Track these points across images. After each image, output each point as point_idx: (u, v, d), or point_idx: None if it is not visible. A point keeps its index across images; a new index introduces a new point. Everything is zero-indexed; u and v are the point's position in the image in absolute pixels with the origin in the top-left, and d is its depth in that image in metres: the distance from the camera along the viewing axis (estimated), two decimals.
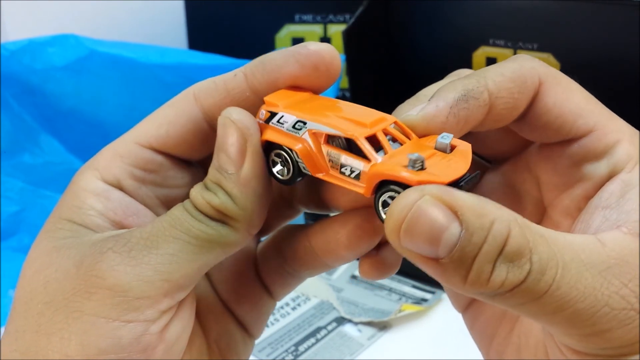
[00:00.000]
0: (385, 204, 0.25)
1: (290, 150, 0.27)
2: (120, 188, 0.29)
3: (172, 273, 0.26)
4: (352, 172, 0.26)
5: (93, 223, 0.28)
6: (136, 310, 0.26)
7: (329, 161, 0.27)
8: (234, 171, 0.27)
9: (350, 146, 0.27)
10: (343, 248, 0.30)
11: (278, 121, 0.28)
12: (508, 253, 0.23)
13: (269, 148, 0.28)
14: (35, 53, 0.75)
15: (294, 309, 0.67)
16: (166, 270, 0.26)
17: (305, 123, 0.27)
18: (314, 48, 0.28)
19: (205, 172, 0.31)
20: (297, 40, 0.88)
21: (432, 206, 0.23)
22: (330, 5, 0.87)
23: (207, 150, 0.30)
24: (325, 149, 0.27)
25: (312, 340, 0.63)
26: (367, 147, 0.26)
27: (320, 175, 0.27)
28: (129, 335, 0.26)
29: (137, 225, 0.29)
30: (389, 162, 0.25)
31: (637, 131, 0.29)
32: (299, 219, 0.34)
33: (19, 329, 0.27)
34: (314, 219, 0.33)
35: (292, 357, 0.60)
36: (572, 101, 0.28)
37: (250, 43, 0.87)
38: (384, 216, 0.25)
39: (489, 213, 0.23)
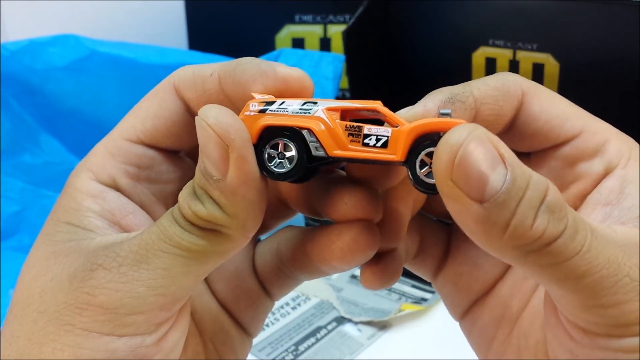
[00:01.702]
0: (423, 164, 0.25)
1: (300, 132, 0.26)
2: (116, 187, 0.29)
3: (166, 287, 0.26)
4: (378, 140, 0.25)
5: (91, 224, 0.28)
6: (130, 326, 0.26)
7: (349, 135, 0.26)
8: (219, 177, 0.25)
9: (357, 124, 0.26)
10: (336, 259, 0.29)
11: (279, 107, 0.26)
12: (550, 203, 0.23)
13: (262, 141, 0.27)
14: (36, 53, 0.75)
15: (294, 308, 0.67)
16: (159, 285, 0.26)
17: (315, 102, 0.26)
18: (282, 74, 0.27)
19: (196, 163, 0.31)
20: (297, 41, 0.88)
21: (484, 143, 0.23)
22: (330, 5, 0.87)
23: (194, 139, 0.30)
24: (342, 123, 0.26)
25: (312, 339, 0.63)
26: (393, 114, 0.25)
27: (338, 153, 0.26)
28: (124, 348, 0.26)
29: (135, 225, 0.29)
30: (421, 120, 0.25)
31: (620, 132, 0.29)
32: (298, 219, 0.34)
33: (13, 334, 0.27)
34: (314, 219, 0.33)
35: (292, 357, 0.60)
36: (557, 106, 0.29)
37: (250, 43, 0.87)
38: (424, 177, 0.25)
39: (525, 167, 0.24)
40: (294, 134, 0.26)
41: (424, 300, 0.67)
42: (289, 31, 0.88)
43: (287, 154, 0.26)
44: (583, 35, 0.68)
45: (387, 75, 0.81)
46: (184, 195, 0.26)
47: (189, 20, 0.92)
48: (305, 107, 0.26)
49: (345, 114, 0.27)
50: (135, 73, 0.75)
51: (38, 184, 0.78)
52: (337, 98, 0.78)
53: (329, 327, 0.64)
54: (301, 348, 0.61)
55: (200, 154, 0.26)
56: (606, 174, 0.28)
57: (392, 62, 0.80)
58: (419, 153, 0.25)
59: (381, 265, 0.30)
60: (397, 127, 0.26)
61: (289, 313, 0.66)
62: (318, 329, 0.64)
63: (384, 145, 0.25)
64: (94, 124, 0.79)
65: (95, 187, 0.29)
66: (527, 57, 0.70)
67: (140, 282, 0.25)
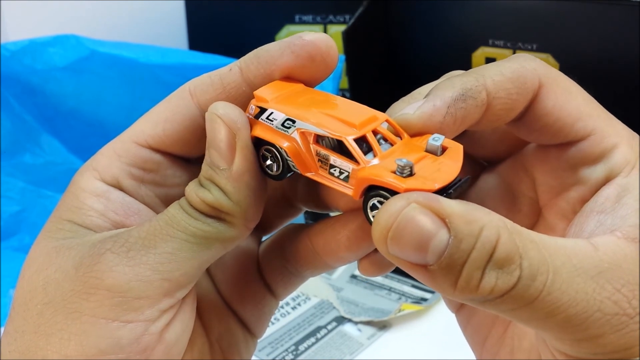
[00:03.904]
0: (375, 207, 0.25)
1: (280, 148, 0.27)
2: (120, 188, 0.29)
3: (171, 272, 0.26)
4: (341, 173, 0.26)
5: (93, 224, 0.28)
6: (136, 311, 0.26)
7: (319, 161, 0.27)
8: (226, 167, 0.27)
9: (340, 146, 0.27)
10: (343, 249, 0.30)
11: (267, 117, 0.27)
12: (497, 259, 0.23)
13: (259, 143, 0.28)
14: (36, 53, 0.75)
15: (294, 308, 0.67)
16: (165, 270, 0.26)
17: (294, 122, 0.27)
18: (310, 38, 0.28)
19: None
20: None
21: (420, 213, 0.23)
22: (330, 6, 0.87)
23: (204, 146, 0.30)
24: (314, 148, 0.27)
25: (312, 339, 0.63)
26: (355, 150, 0.26)
27: (309, 175, 0.27)
28: (129, 335, 0.26)
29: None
30: (377, 167, 0.25)
31: (636, 135, 0.28)
32: (299, 218, 0.34)
33: (18, 330, 0.27)
34: (314, 218, 0.33)
35: (292, 357, 0.60)
36: (571, 104, 0.28)
37: (250, 43, 0.87)
38: (372, 220, 0.25)
39: (477, 219, 0.23)
40: (276, 148, 0.27)
41: (424, 300, 0.67)
42: (289, 31, 0.88)
43: (276, 160, 0.28)
44: (583, 35, 0.68)
45: (387, 75, 0.81)
46: (191, 186, 0.27)
47: (189, 20, 0.92)
48: (285, 124, 0.27)
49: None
50: (135, 73, 0.75)
51: (38, 184, 0.78)
52: None
53: (329, 327, 0.64)
54: (301, 348, 0.61)
55: (208, 149, 0.27)
56: (607, 181, 0.27)
57: (392, 62, 0.80)
58: (370, 199, 0.25)
59: (379, 254, 0.30)
60: (357, 163, 0.26)
61: (289, 313, 0.66)
62: (318, 329, 0.64)
63: (346, 179, 0.26)
64: (94, 124, 0.79)
65: (100, 187, 0.29)
66: None
67: (147, 266, 0.26)
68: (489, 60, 0.73)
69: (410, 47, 0.79)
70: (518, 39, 0.70)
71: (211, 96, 0.29)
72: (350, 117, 0.26)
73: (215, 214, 0.27)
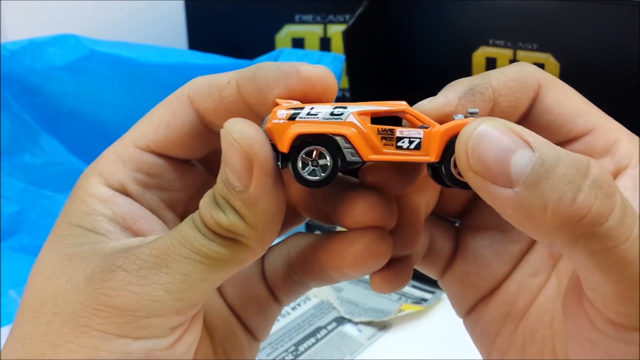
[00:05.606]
0: (456, 165, 0.25)
1: (333, 139, 0.26)
2: (126, 193, 0.29)
3: (183, 292, 0.26)
4: (411, 142, 0.26)
5: (103, 229, 0.28)
6: (146, 329, 0.26)
7: (382, 139, 0.26)
8: (242, 189, 0.26)
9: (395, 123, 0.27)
10: (349, 267, 0.29)
11: (309, 114, 0.26)
12: (596, 177, 0.22)
13: (294, 149, 0.27)
14: (36, 53, 0.75)
15: (294, 308, 0.67)
16: (177, 290, 0.26)
17: (345, 107, 0.26)
18: (305, 74, 0.27)
19: (207, 170, 0.30)
20: (297, 41, 0.88)
21: (499, 129, 0.23)
22: (330, 5, 0.87)
23: (206, 149, 0.30)
24: (374, 127, 0.26)
25: (312, 340, 0.63)
26: (422, 115, 0.26)
27: (373, 157, 0.26)
28: (139, 350, 0.26)
29: (147, 230, 0.29)
30: (449, 122, 0.26)
31: (630, 132, 0.29)
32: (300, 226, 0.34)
33: (25, 336, 0.27)
34: (316, 225, 0.33)
35: (292, 357, 0.60)
36: (570, 101, 0.29)
37: (250, 43, 0.87)
38: (458, 176, 0.26)
39: (559, 149, 0.23)
40: (327, 141, 0.26)
41: (424, 300, 0.67)
42: (289, 31, 0.88)
43: (321, 162, 0.26)
44: (583, 35, 0.68)
45: (387, 75, 0.81)
46: (205, 203, 0.26)
47: (189, 20, 0.92)
48: (336, 112, 0.26)
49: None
50: (135, 73, 0.75)
51: (38, 184, 0.78)
52: (338, 98, 0.78)
53: (329, 328, 0.64)
54: (301, 348, 0.61)
55: (223, 165, 0.26)
56: (616, 173, 0.28)
57: (392, 62, 0.80)
58: (452, 153, 0.25)
59: (392, 271, 0.30)
60: (426, 127, 0.26)
61: (289, 313, 0.66)
62: (318, 329, 0.64)
63: (417, 147, 0.26)
64: (94, 124, 0.79)
65: (106, 192, 0.29)
66: (527, 57, 0.70)
67: (159, 286, 0.26)
68: (489, 60, 0.73)
69: (411, 47, 0.79)
70: (518, 39, 0.70)
71: (209, 106, 0.28)
72: (387, 102, 0.27)
73: (230, 235, 0.26)
